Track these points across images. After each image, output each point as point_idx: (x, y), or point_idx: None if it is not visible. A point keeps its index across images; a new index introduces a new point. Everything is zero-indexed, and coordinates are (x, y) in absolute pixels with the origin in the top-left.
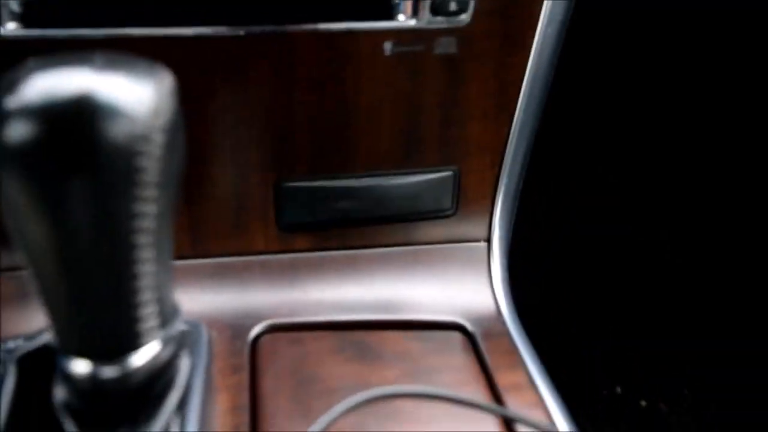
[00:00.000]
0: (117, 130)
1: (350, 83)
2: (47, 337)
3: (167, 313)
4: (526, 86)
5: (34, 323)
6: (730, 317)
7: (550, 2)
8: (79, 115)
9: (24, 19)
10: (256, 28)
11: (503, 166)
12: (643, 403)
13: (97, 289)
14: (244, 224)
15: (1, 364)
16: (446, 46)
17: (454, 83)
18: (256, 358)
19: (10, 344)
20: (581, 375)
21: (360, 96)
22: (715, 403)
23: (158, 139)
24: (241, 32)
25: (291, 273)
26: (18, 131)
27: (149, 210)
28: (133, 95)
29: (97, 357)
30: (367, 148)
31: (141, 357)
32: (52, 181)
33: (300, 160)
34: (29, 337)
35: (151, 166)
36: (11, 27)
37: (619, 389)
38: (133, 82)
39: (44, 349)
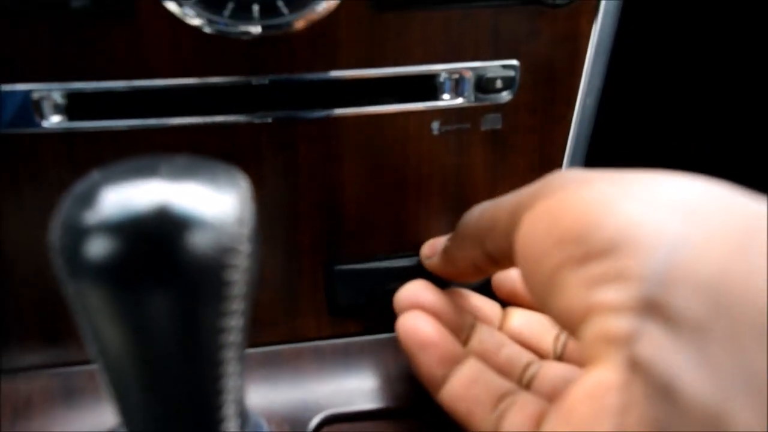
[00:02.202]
0: (203, 243)
1: (398, 163)
2: None
3: (244, 418)
4: (567, 156)
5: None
6: None
7: (589, 73)
8: (162, 229)
9: (68, 112)
10: (304, 113)
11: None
12: None
13: (180, 403)
14: (295, 310)
15: None
16: (492, 122)
17: (499, 157)
18: None
19: None
20: None
21: (408, 174)
22: None
23: (245, 249)
24: (289, 118)
25: (344, 359)
26: (99, 248)
27: (235, 324)
28: (217, 204)
29: None
30: (416, 226)
31: None
32: (136, 298)
33: (350, 242)
34: None
35: (239, 278)
36: (56, 120)
37: None
38: (214, 190)
39: None
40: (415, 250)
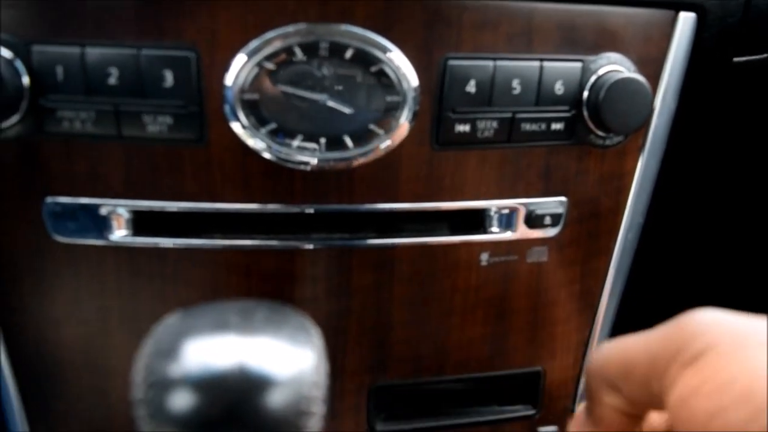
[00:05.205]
0: (280, 406)
1: (446, 291)
2: None
3: None
4: (607, 287)
5: None
6: None
7: (632, 209)
8: (241, 388)
9: (133, 227)
10: (359, 242)
11: (584, 364)
12: None
13: None
14: (337, 428)
15: None
16: (538, 255)
17: (542, 288)
18: None
19: None
20: None
21: (455, 302)
22: None
23: (318, 411)
24: (345, 245)
25: None
26: (183, 402)
27: None
28: (293, 366)
29: None
30: (458, 352)
31: None
32: None
33: (394, 364)
34: None
35: None
36: (122, 234)
37: None
38: (290, 349)
39: None
40: (457, 373)
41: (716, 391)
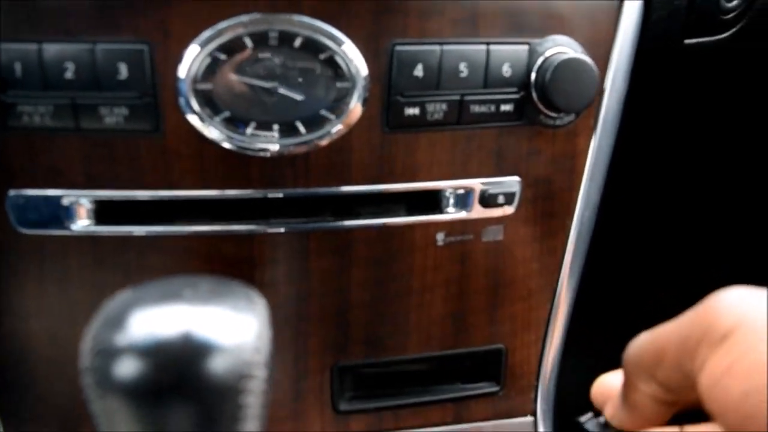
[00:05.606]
0: (222, 370)
1: (404, 271)
2: None
3: None
4: (565, 266)
5: None
6: None
7: (587, 188)
8: (185, 355)
9: (96, 216)
10: (316, 225)
11: (546, 342)
12: None
13: None
14: (301, 409)
15: None
16: (493, 234)
17: (500, 267)
18: None
19: None
20: None
21: (413, 283)
22: None
23: (260, 375)
24: (302, 228)
25: None
26: (128, 369)
27: None
28: (236, 332)
29: None
30: (419, 331)
31: None
32: (159, 415)
33: (356, 345)
34: None
35: (254, 401)
36: (84, 223)
37: None
38: (234, 317)
39: None
40: (420, 352)
41: (749, 371)
